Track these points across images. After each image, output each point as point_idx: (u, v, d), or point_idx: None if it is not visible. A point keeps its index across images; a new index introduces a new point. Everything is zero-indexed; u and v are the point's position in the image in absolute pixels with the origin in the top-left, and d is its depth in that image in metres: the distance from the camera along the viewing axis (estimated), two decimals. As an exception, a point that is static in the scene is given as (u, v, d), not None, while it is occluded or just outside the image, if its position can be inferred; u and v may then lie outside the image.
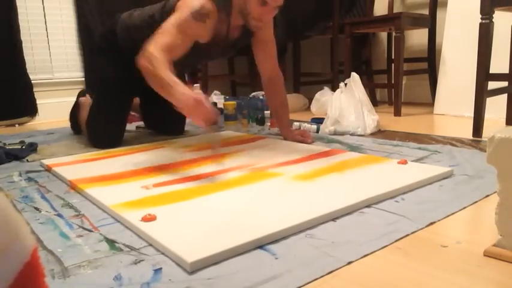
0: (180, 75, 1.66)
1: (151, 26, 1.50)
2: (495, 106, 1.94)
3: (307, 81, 3.05)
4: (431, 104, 2.46)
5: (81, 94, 2.07)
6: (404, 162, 1.23)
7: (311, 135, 1.71)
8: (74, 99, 2.09)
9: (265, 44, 1.69)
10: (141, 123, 2.27)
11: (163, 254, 0.74)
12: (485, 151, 0.76)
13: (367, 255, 0.72)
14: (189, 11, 1.39)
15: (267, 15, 1.47)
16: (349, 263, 0.69)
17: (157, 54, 1.29)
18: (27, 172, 1.38)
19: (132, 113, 2.29)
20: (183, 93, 1.20)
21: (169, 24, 1.38)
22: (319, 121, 1.94)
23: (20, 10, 2.58)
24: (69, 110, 2.08)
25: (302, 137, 1.68)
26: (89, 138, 1.77)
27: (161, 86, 1.26)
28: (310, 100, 2.57)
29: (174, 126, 1.96)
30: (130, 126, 2.26)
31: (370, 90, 2.64)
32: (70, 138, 1.98)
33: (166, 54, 1.30)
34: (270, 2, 1.42)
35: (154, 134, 2.00)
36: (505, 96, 1.85)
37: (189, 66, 1.94)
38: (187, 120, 1.98)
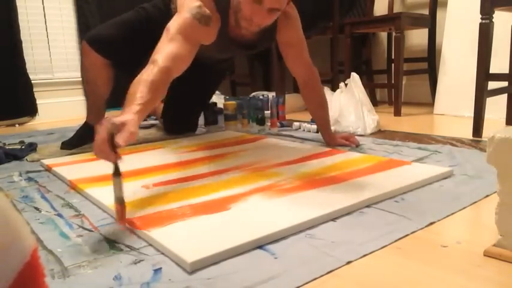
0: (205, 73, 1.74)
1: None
2: (495, 106, 1.94)
3: (307, 81, 3.04)
4: (431, 104, 2.46)
5: None
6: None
7: (356, 139, 1.58)
8: (74, 99, 2.09)
9: (292, 47, 1.52)
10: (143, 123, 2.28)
11: (163, 254, 0.74)
12: (485, 151, 0.76)
13: (367, 255, 0.72)
14: (189, 11, 1.28)
15: (261, 18, 1.27)
16: (349, 262, 0.69)
17: (155, 70, 1.11)
18: (27, 172, 1.38)
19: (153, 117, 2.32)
20: (100, 127, 0.87)
21: (175, 30, 1.24)
22: (319, 121, 1.94)
23: (20, 10, 2.58)
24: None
25: (347, 141, 1.56)
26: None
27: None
28: (310, 100, 2.57)
29: (190, 121, 1.98)
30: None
31: (370, 90, 2.64)
32: (70, 138, 1.98)
33: (167, 69, 1.15)
34: (266, 3, 1.21)
35: (155, 133, 2.00)
36: (505, 96, 1.85)
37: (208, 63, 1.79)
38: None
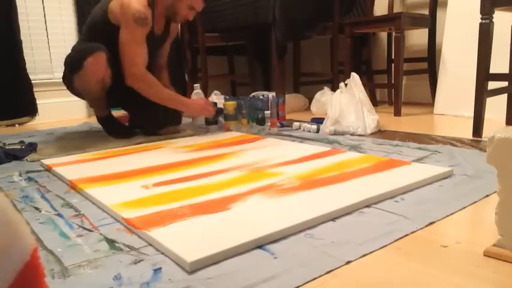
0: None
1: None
2: (495, 106, 1.94)
3: (307, 81, 3.05)
4: (431, 104, 2.46)
5: None
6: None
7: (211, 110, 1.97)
8: (74, 99, 2.11)
9: (170, 40, 2.08)
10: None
11: (163, 253, 0.74)
12: (485, 151, 0.76)
13: (367, 255, 0.72)
14: (133, 20, 1.73)
15: (191, 16, 1.91)
16: (348, 262, 0.69)
17: (148, 76, 1.80)
18: (27, 172, 1.38)
19: None
20: (193, 103, 1.98)
21: (129, 42, 1.76)
22: (319, 121, 1.94)
23: (20, 10, 2.58)
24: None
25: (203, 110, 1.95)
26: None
27: (169, 101, 1.85)
28: (310, 100, 2.57)
29: (173, 116, 2.02)
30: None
31: (370, 90, 2.64)
32: (70, 138, 1.98)
33: (147, 71, 1.81)
34: (197, 8, 1.87)
35: (154, 133, 1.99)
36: (505, 96, 1.85)
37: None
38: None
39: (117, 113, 2.62)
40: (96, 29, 1.87)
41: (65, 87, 1.99)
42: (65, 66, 1.91)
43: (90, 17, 1.94)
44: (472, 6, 2.13)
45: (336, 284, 0.63)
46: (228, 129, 2.03)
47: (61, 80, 1.96)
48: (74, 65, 1.82)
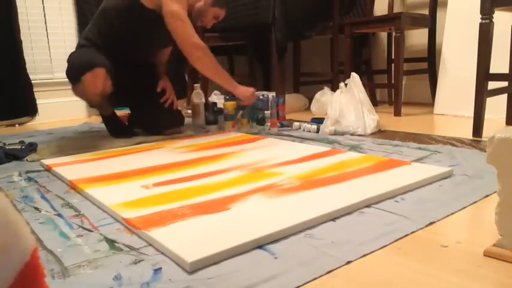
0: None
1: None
2: (495, 106, 1.94)
3: (307, 81, 3.05)
4: (431, 104, 2.46)
5: None
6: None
7: (251, 97, 1.97)
8: (74, 99, 2.12)
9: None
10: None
11: (163, 253, 0.74)
12: (485, 151, 0.76)
13: (367, 255, 0.72)
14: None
15: (210, 25, 1.97)
16: (349, 262, 0.69)
17: (204, 46, 1.76)
18: (27, 172, 1.38)
19: None
20: (246, 89, 1.96)
21: (182, 13, 1.72)
22: (319, 121, 1.94)
23: (20, 10, 2.58)
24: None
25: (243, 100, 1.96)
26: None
27: (223, 79, 1.87)
28: (310, 100, 2.57)
29: (177, 116, 2.04)
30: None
31: (370, 90, 2.64)
32: (70, 138, 1.98)
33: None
34: (219, 18, 1.94)
35: (158, 133, 1.99)
36: (505, 96, 1.85)
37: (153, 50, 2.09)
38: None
39: (118, 112, 2.62)
40: (119, 14, 1.80)
41: (65, 88, 2.01)
42: (66, 74, 1.89)
43: (107, 2, 1.86)
44: (472, 6, 2.13)
45: (336, 284, 0.63)
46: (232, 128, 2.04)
47: (61, 80, 1.98)
48: (72, 77, 1.83)
